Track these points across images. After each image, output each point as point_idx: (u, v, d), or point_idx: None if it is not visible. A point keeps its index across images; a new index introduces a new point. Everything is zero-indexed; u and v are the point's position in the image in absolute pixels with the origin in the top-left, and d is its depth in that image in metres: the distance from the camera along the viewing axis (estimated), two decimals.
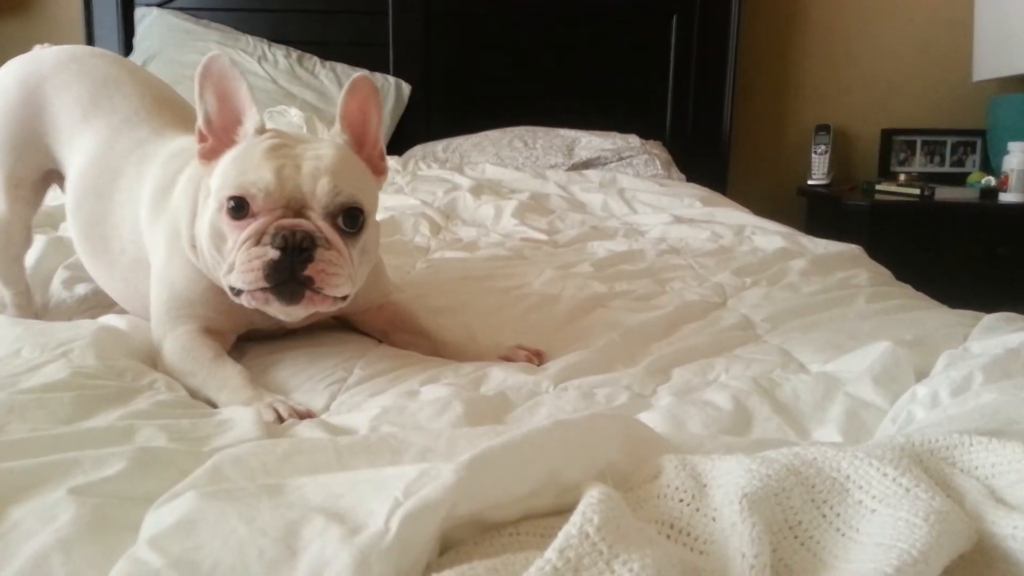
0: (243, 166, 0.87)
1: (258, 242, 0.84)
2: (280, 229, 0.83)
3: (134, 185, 1.05)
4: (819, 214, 2.94)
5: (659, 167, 2.51)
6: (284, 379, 0.92)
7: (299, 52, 2.74)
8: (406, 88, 2.79)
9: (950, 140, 3.07)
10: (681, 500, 0.45)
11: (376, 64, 2.79)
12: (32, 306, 1.21)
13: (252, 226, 0.84)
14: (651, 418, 0.77)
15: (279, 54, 2.71)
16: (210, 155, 0.92)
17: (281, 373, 0.94)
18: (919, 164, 3.07)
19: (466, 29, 2.86)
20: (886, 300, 1.22)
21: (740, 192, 2.63)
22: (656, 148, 2.62)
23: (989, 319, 0.94)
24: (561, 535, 0.40)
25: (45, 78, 1.15)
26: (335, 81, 2.70)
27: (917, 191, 2.62)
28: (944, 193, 2.62)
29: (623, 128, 2.65)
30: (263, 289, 0.84)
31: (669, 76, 2.91)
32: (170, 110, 1.16)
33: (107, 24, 2.80)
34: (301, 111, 2.50)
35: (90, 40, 2.81)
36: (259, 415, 0.74)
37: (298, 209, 0.86)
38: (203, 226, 0.90)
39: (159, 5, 2.79)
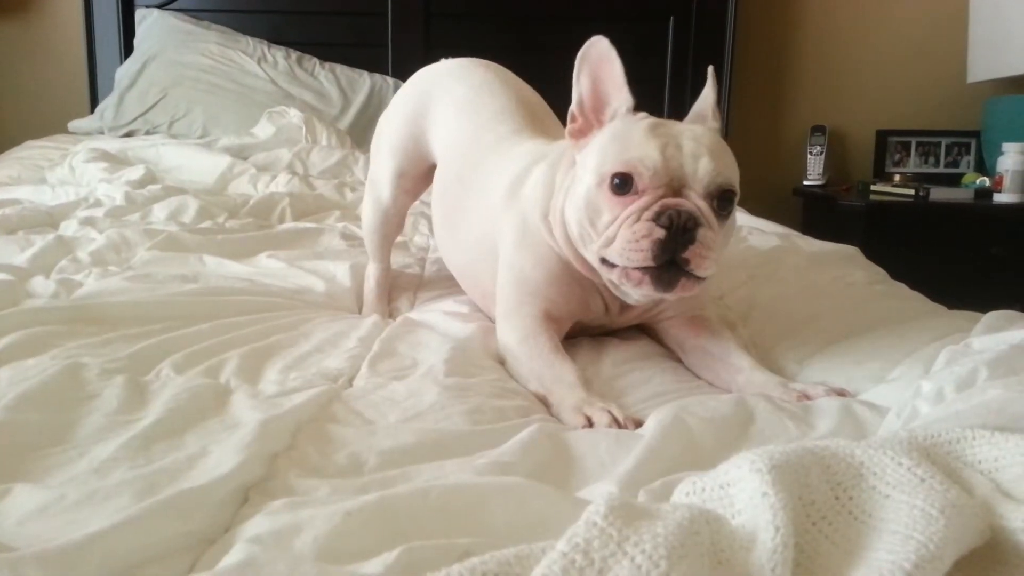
0: (625, 144, 0.89)
1: (638, 219, 0.85)
2: (666, 207, 0.84)
3: (491, 175, 1.14)
4: (815, 214, 2.96)
5: None
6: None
7: (299, 53, 2.74)
8: None
9: (944, 141, 3.08)
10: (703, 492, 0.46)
11: (375, 66, 2.79)
12: (388, 282, 1.36)
13: (637, 203, 0.86)
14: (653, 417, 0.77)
15: (279, 55, 2.71)
16: (578, 135, 0.97)
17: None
18: (914, 165, 3.09)
19: (465, 31, 2.87)
20: (882, 300, 1.23)
21: None
22: None
23: (990, 317, 0.95)
24: (570, 529, 0.41)
25: (434, 84, 1.32)
26: (334, 82, 2.70)
27: (912, 191, 2.64)
28: (939, 193, 2.64)
29: None
30: (643, 269, 0.85)
31: (666, 77, 2.92)
32: (529, 112, 1.25)
33: (107, 25, 2.80)
34: (301, 112, 2.51)
35: (90, 41, 2.82)
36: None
37: (678, 188, 0.87)
38: (575, 200, 0.93)
39: (159, 6, 2.79)
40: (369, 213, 1.39)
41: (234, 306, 1.10)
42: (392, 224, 1.38)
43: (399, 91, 1.40)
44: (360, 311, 1.29)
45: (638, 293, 0.90)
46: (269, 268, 1.37)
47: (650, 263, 0.84)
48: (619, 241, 0.86)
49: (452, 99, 1.27)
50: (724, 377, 0.96)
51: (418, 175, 1.35)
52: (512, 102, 1.24)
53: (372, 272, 1.36)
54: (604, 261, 0.89)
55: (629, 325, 1.10)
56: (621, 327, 1.10)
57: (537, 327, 0.98)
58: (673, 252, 0.83)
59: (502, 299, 1.04)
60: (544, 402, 0.88)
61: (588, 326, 1.08)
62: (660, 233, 0.83)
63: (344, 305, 1.27)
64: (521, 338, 0.97)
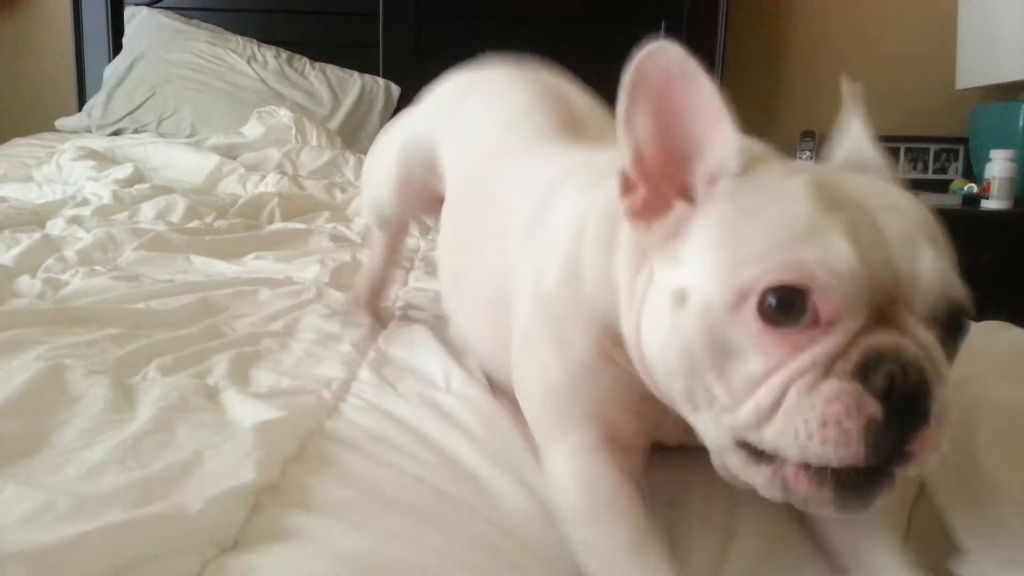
0: (780, 225, 0.49)
1: (826, 375, 0.46)
2: (879, 354, 0.45)
3: (493, 218, 0.83)
4: None
5: None
6: None
7: (289, 53, 2.73)
8: (396, 90, 2.79)
9: (933, 147, 3.10)
10: None
11: (366, 66, 2.79)
12: (383, 284, 1.24)
13: (824, 345, 0.46)
14: None
15: (269, 55, 2.70)
16: (644, 214, 0.55)
17: None
18: (902, 171, 3.10)
19: (456, 32, 2.87)
20: None
21: None
22: None
23: (978, 328, 0.95)
24: None
25: (453, 108, 1.10)
26: (324, 82, 2.70)
27: None
28: (927, 199, 2.63)
29: None
30: (835, 472, 0.46)
31: None
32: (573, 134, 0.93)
33: (96, 23, 2.79)
34: (290, 112, 2.50)
35: (79, 38, 2.80)
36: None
37: (886, 308, 0.47)
38: (665, 328, 0.52)
39: (148, 4, 2.77)
40: (370, 216, 1.25)
41: (223, 306, 1.09)
42: (395, 230, 1.23)
43: (431, 93, 1.20)
44: (351, 312, 1.28)
45: (784, 495, 0.48)
46: (257, 268, 1.36)
47: (859, 462, 0.45)
48: (791, 418, 0.46)
49: (471, 129, 1.01)
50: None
51: (429, 197, 1.12)
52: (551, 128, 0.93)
53: (367, 271, 1.27)
54: (745, 445, 0.49)
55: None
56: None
57: (598, 470, 0.59)
58: (897, 441, 0.45)
59: (534, 408, 0.67)
60: None
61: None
62: (877, 409, 0.44)
63: (334, 307, 1.26)
64: (578, 489, 0.58)
